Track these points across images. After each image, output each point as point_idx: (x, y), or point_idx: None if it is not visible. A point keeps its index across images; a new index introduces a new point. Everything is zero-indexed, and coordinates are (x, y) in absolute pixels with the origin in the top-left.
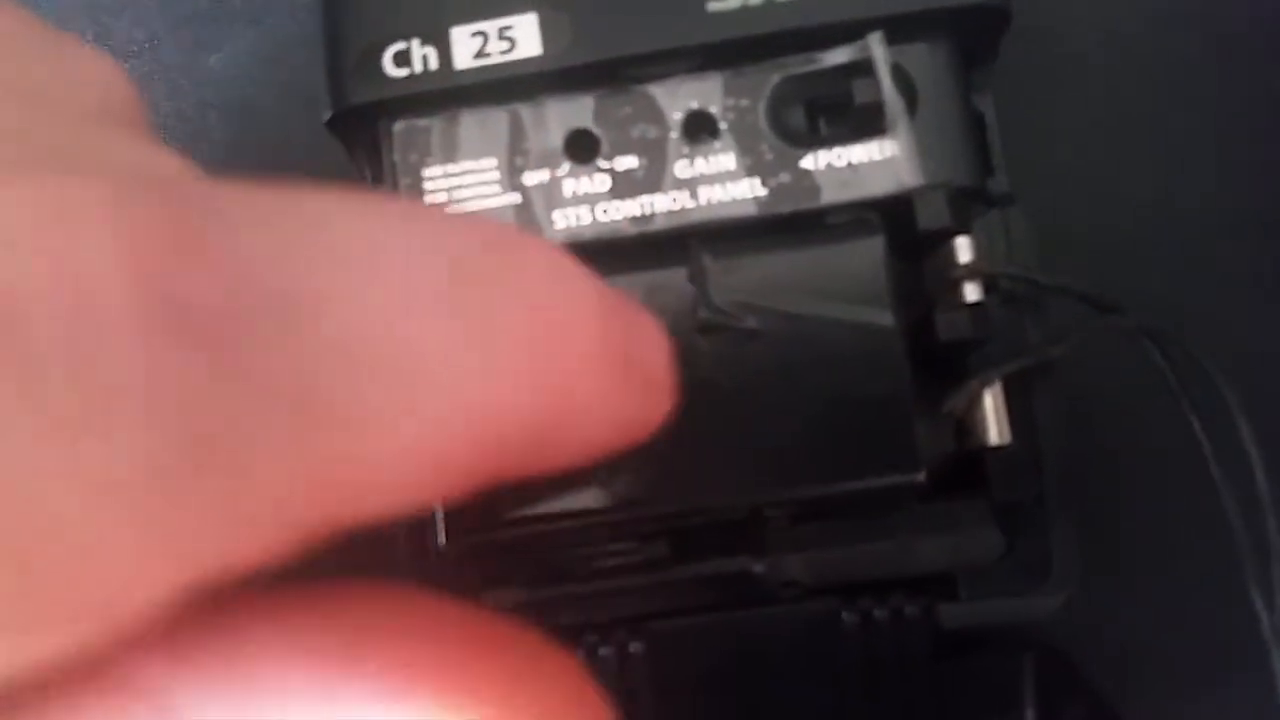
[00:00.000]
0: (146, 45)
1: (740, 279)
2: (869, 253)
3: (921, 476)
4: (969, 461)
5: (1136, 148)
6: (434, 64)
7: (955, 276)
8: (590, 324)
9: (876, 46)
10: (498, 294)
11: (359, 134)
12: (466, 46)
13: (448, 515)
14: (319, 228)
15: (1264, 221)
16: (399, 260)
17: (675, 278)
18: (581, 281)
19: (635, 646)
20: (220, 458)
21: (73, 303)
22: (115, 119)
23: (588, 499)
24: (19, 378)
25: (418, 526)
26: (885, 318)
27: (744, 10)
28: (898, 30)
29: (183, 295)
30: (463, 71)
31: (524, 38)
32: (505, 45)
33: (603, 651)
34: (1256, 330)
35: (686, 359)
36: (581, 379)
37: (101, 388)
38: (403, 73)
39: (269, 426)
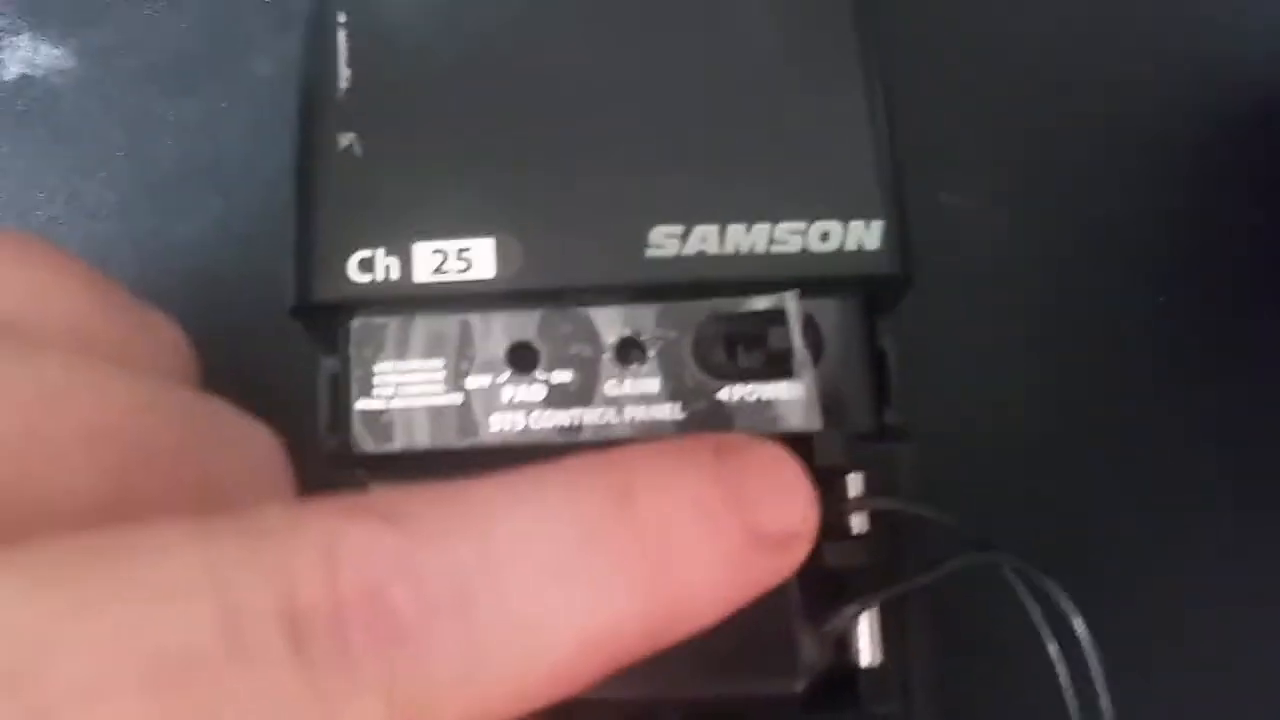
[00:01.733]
0: (116, 208)
1: None
2: None
3: (799, 687)
4: (845, 677)
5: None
6: (395, 274)
7: (844, 510)
8: (707, 542)
9: (790, 302)
10: (617, 548)
11: (318, 321)
12: (427, 261)
13: None
14: (482, 529)
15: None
16: (544, 541)
17: None
18: (696, 495)
19: None
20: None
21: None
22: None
23: None
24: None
25: None
26: None
27: (678, 259)
28: (812, 286)
29: (388, 600)
30: (421, 285)
31: (480, 259)
32: (462, 265)
33: None
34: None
35: None
36: (701, 584)
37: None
38: (365, 278)
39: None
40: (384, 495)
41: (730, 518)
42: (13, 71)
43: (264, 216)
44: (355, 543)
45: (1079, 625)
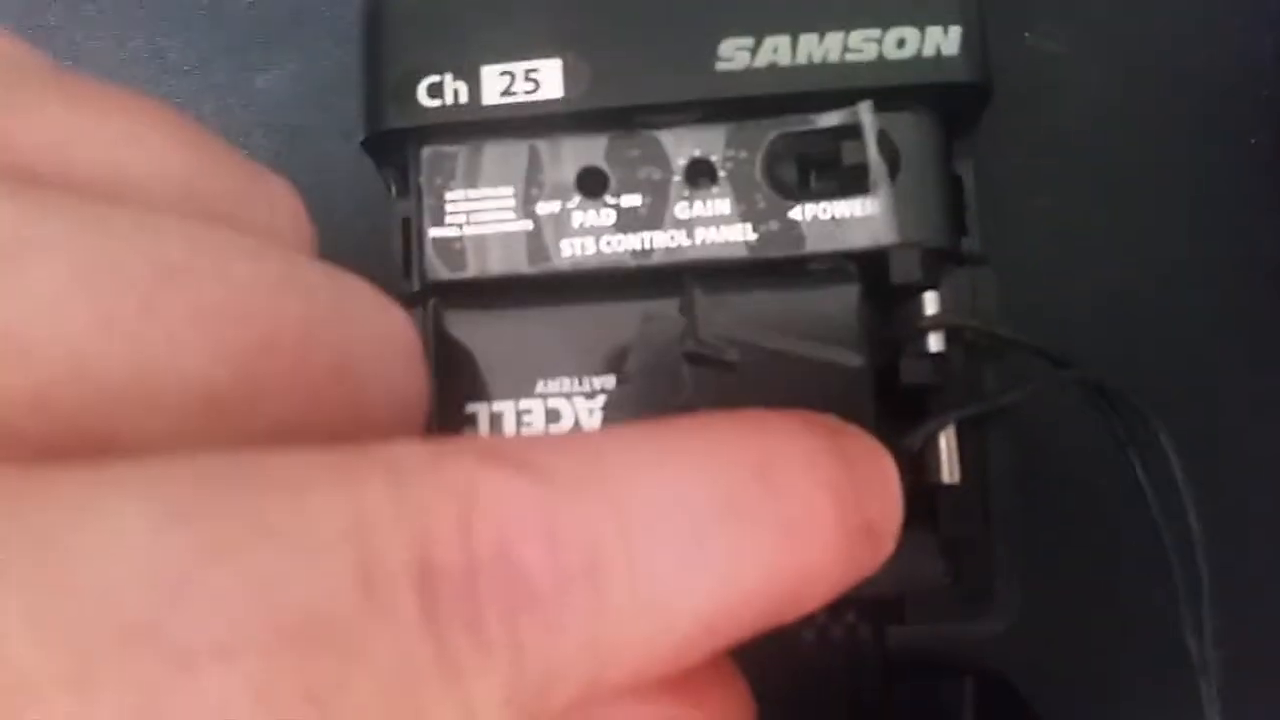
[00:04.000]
0: (198, 66)
1: (726, 315)
2: (844, 299)
3: None
4: (923, 496)
5: (1111, 215)
6: (464, 97)
7: (921, 327)
8: (834, 527)
9: (865, 114)
10: (754, 524)
11: (390, 155)
12: (495, 84)
13: None
14: (620, 489)
15: (1227, 301)
16: (683, 510)
17: (668, 308)
18: (829, 476)
19: None
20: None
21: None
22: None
23: None
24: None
25: None
26: (854, 359)
27: (748, 71)
28: (887, 100)
29: (521, 563)
30: (490, 106)
31: (547, 80)
32: (530, 86)
33: None
34: (1223, 401)
35: (671, 385)
36: (821, 566)
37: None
38: (435, 103)
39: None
40: (520, 441)
41: (855, 504)
42: None
43: (340, 70)
44: (492, 494)
45: (1164, 438)
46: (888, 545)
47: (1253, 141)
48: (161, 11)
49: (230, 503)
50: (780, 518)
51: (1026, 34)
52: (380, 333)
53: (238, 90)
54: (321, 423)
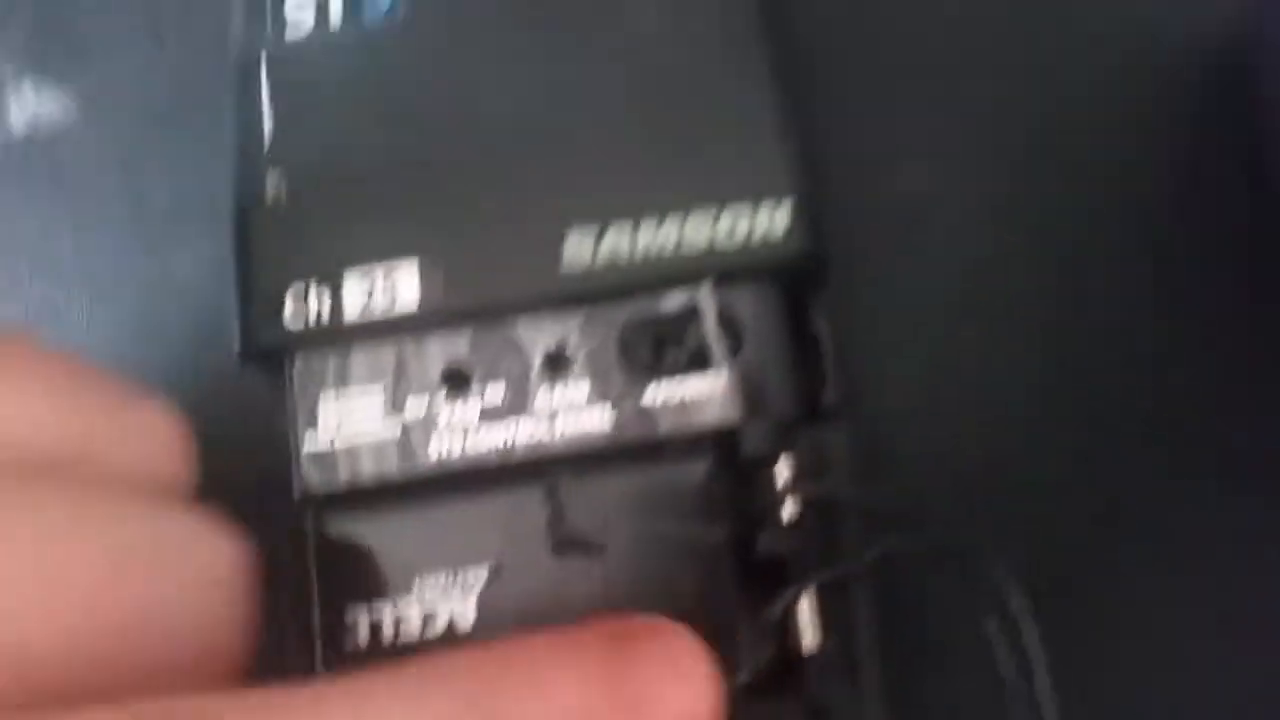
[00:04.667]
0: (114, 248)
1: (590, 501)
2: (698, 477)
3: (742, 678)
4: (789, 664)
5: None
6: (327, 310)
7: (774, 498)
8: None
9: (704, 296)
10: None
11: (265, 363)
12: (356, 294)
13: None
14: None
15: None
16: None
17: (533, 499)
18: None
19: None
20: None
21: None
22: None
23: None
24: None
25: None
26: (711, 535)
27: (593, 262)
28: (727, 277)
29: None
30: (353, 317)
31: (405, 283)
32: (388, 293)
33: None
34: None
35: (541, 574)
36: None
37: None
38: (300, 318)
39: None
40: (200, 703)
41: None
42: (15, 120)
43: None
44: None
45: (1017, 603)
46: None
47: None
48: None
49: None
50: None
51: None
52: (202, 576)
53: (158, 272)
54: (126, 670)
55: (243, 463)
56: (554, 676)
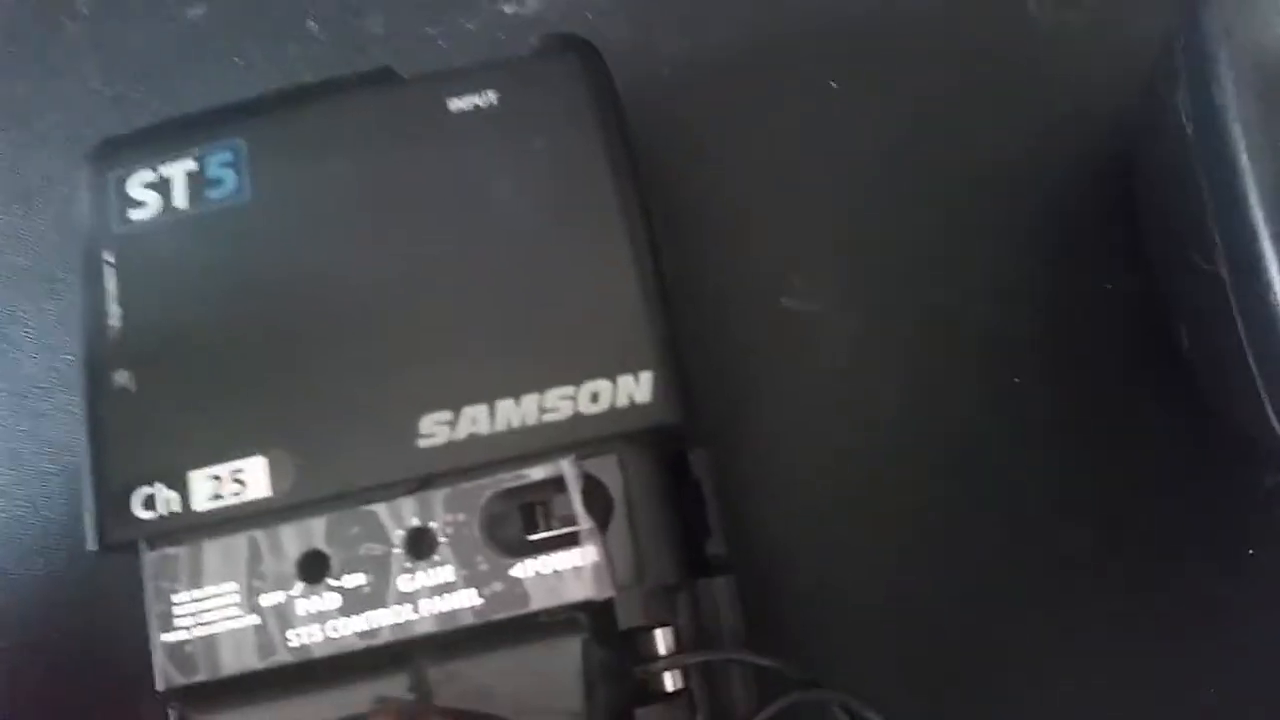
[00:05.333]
0: None
1: (458, 686)
2: (570, 653)
3: None
4: None
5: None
6: (176, 504)
7: (656, 668)
8: None
9: (568, 470)
10: None
11: (125, 556)
12: (204, 488)
13: None
14: None
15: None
16: None
17: (399, 686)
18: None
19: None
20: None
21: None
22: None
23: None
24: None
25: None
26: (592, 714)
27: (452, 443)
28: (592, 448)
29: None
30: (201, 511)
31: (254, 478)
32: (237, 486)
33: None
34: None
35: None
36: None
37: None
38: (150, 513)
39: None
40: None
41: None
42: None
43: None
44: None
45: None
46: None
47: (1016, 381)
48: None
49: None
50: None
51: (783, 299)
52: None
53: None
54: None
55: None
56: None
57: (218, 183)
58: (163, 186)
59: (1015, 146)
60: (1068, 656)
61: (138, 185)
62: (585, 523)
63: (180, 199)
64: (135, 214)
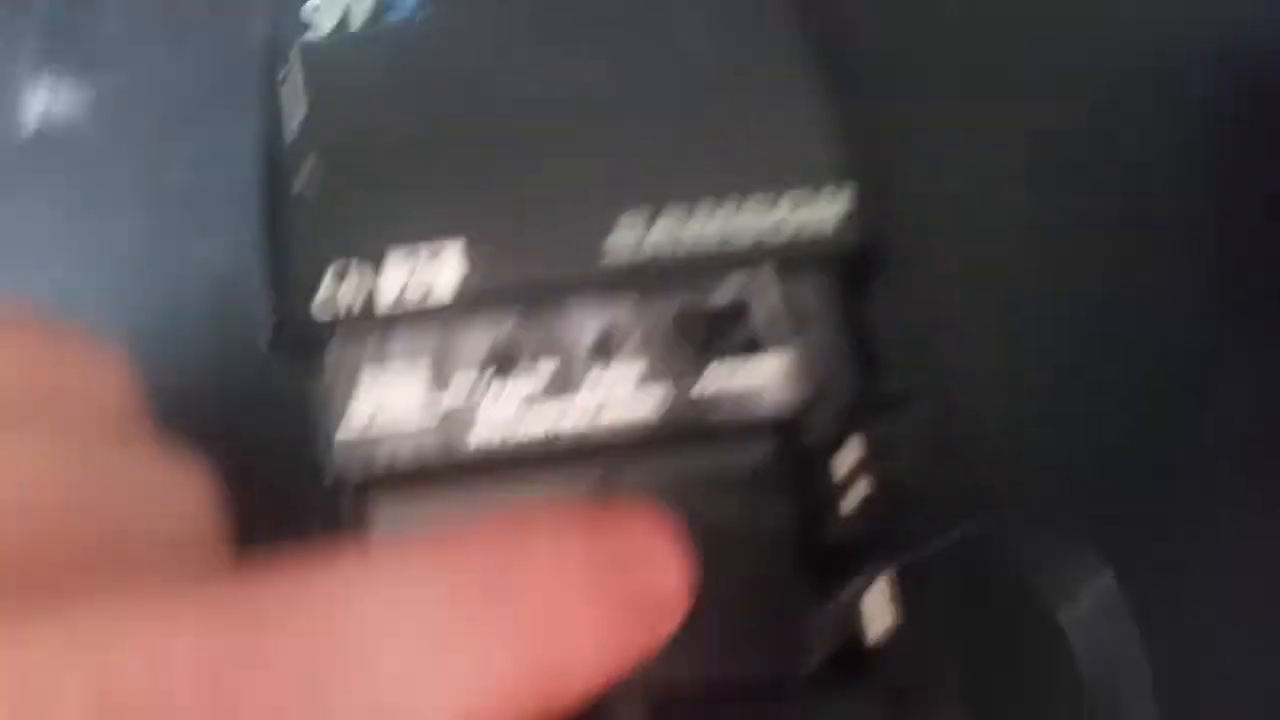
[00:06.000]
0: (141, 235)
1: (642, 487)
2: (758, 464)
3: (809, 665)
4: (859, 653)
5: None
6: (365, 294)
7: (842, 481)
8: (587, 616)
9: (761, 281)
10: (492, 625)
11: (299, 351)
12: (395, 277)
13: None
14: (343, 608)
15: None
16: (412, 616)
17: (584, 483)
18: (578, 558)
19: None
20: None
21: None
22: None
23: None
24: None
25: None
26: (777, 520)
27: (644, 248)
28: (786, 262)
29: (232, 700)
30: (392, 301)
31: (448, 267)
32: (431, 275)
33: None
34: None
35: None
36: (580, 650)
37: None
38: (336, 303)
39: None
40: (222, 579)
41: (610, 590)
42: (32, 116)
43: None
44: (188, 640)
45: (1104, 583)
46: (665, 619)
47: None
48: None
49: None
50: (520, 616)
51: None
52: (167, 506)
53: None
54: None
55: (269, 445)
56: (554, 543)
57: (396, 4)
58: (344, 10)
59: None
60: None
61: (311, 9)
62: (777, 335)
63: (360, 18)
64: (312, 34)
